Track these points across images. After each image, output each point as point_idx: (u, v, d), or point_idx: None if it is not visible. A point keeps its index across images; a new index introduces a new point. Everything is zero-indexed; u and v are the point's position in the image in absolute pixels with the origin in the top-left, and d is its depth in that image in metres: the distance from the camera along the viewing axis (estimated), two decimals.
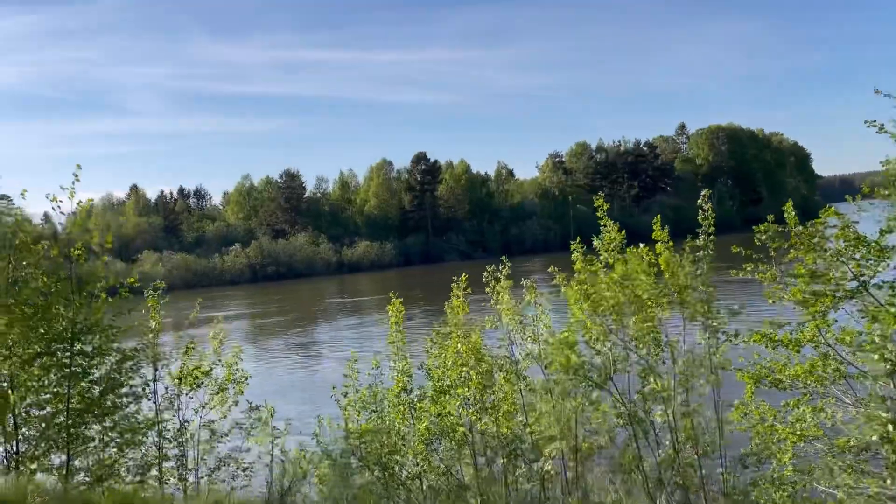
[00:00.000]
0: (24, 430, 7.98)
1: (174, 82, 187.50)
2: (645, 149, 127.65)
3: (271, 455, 9.31)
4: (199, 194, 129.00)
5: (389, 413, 9.58)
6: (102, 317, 8.35)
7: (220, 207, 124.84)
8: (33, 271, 8.22)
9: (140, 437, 8.35)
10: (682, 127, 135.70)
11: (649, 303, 8.02)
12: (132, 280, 8.73)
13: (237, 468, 10.12)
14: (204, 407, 10.51)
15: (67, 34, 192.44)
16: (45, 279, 8.19)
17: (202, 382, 10.60)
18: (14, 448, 7.95)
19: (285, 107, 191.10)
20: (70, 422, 7.99)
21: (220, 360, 10.98)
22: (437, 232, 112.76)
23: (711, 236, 8.13)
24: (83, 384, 8.12)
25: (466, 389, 8.91)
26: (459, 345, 9.04)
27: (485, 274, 10.02)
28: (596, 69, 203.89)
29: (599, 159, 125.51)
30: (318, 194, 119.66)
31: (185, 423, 10.03)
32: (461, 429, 8.89)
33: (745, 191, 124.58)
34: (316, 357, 40.97)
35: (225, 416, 10.87)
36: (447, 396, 9.02)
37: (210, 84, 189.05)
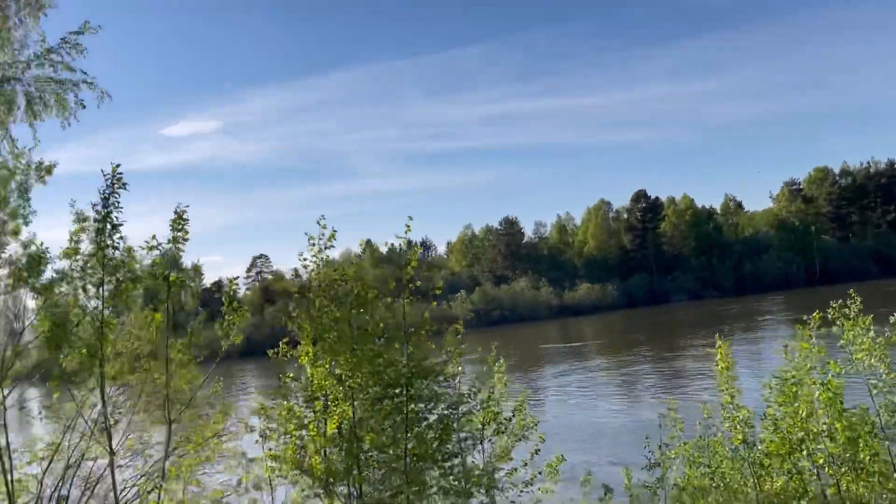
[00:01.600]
0: (365, 472, 8.14)
1: (396, 144, 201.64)
2: None
3: None
4: (426, 245, 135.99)
5: (723, 468, 8.55)
6: (432, 361, 8.39)
7: (445, 257, 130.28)
8: (368, 318, 8.51)
9: (471, 488, 8.15)
10: None
11: None
12: (459, 325, 8.75)
13: None
14: (505, 455, 10.25)
15: (306, 109, 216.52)
16: (381, 324, 8.44)
17: (505, 428, 10.38)
18: (357, 491, 8.13)
19: (500, 157, 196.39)
20: (408, 467, 8.03)
21: (521, 407, 10.75)
22: (661, 271, 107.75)
23: None
24: (418, 429, 8.16)
25: (833, 445, 7.64)
26: (817, 391, 7.82)
27: (830, 310, 8.65)
28: (824, 90, 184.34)
29: (844, 184, 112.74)
30: (537, 239, 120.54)
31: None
32: (831, 489, 7.61)
33: None
34: (550, 400, 40.19)
35: (526, 464, 10.54)
36: (803, 453, 7.82)
37: (428, 143, 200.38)
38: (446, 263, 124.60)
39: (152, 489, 9.89)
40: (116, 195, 8.58)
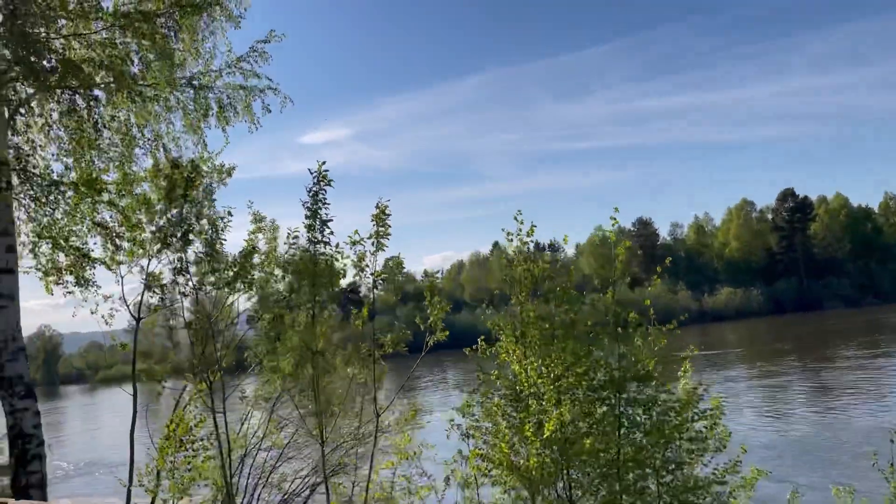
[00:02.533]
0: (577, 476, 7.81)
1: (523, 146, 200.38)
2: None
3: None
4: (553, 247, 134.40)
5: None
6: (648, 362, 7.93)
7: (574, 258, 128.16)
8: (574, 315, 8.19)
9: (693, 499, 7.58)
10: None
11: None
12: (672, 325, 8.24)
13: None
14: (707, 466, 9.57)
15: (435, 115, 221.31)
16: (589, 322, 8.09)
17: (705, 437, 9.70)
18: (567, 494, 7.81)
19: (630, 157, 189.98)
20: (621, 472, 7.61)
21: (716, 414, 10.01)
22: (812, 275, 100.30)
23: None
24: (633, 435, 7.72)
25: None
26: None
27: None
28: None
29: None
30: (672, 241, 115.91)
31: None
32: None
33: None
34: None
35: (724, 476, 9.80)
36: None
37: (555, 144, 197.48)
38: (577, 265, 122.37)
39: (328, 476, 10.08)
40: (323, 192, 8.76)
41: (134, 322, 12.29)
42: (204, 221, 9.20)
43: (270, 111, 12.96)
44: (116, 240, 12.86)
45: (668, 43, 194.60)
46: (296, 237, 8.62)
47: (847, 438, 26.63)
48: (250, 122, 12.93)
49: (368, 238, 8.80)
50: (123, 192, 12.42)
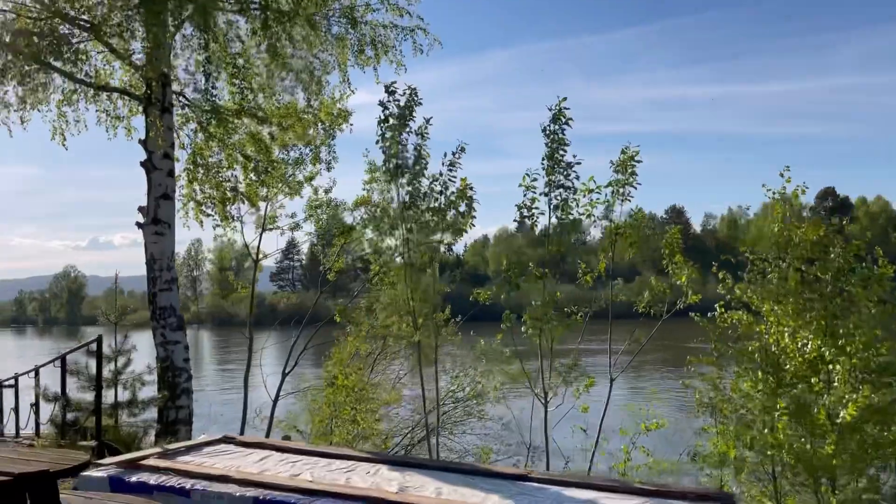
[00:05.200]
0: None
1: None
2: None
3: None
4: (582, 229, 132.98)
5: None
6: None
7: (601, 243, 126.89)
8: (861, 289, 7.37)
9: None
10: None
11: None
12: None
13: None
14: None
15: (463, 86, 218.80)
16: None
17: None
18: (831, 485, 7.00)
19: (663, 143, 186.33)
20: None
21: None
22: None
23: None
24: None
25: None
26: None
27: None
28: None
29: None
30: (702, 231, 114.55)
31: None
32: None
33: None
34: None
35: None
36: None
37: (586, 125, 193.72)
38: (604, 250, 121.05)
39: None
40: (561, 131, 7.89)
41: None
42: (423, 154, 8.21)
43: (422, 52, 12.04)
44: (262, 175, 12.10)
45: (709, 29, 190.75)
46: (534, 180, 7.75)
47: None
48: (397, 64, 12.01)
49: (607, 186, 7.98)
50: (283, 125, 11.62)
